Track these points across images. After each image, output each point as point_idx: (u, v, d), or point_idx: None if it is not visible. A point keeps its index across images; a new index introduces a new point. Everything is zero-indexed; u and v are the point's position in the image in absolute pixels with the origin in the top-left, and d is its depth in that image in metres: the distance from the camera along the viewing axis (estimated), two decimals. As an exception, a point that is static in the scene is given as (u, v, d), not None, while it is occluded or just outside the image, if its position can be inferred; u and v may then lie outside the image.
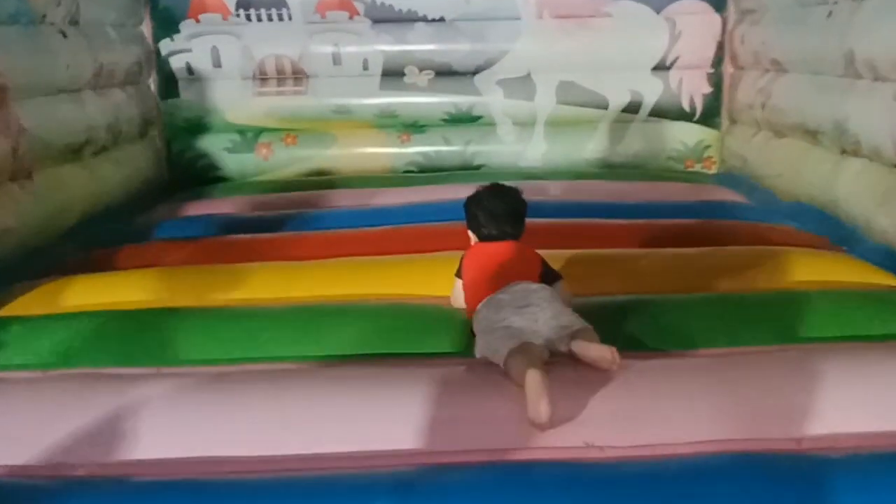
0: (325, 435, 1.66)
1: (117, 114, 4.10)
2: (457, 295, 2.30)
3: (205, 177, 4.73)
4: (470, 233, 2.34)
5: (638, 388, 1.72)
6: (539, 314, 1.95)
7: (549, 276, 2.20)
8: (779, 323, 2.21)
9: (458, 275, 2.28)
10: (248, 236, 3.25)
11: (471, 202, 2.32)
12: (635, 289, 2.50)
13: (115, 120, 4.05)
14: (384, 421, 1.68)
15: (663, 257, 2.80)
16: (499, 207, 2.26)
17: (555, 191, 4.00)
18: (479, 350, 1.99)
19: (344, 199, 3.98)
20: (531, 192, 3.95)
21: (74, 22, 3.76)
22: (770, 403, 1.67)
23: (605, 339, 1.88)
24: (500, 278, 2.09)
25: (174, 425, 1.65)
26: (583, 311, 2.04)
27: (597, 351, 1.80)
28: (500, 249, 2.22)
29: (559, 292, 2.15)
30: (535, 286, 2.06)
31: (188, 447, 1.60)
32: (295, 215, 3.62)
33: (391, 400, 1.75)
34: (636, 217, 3.41)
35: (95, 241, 3.35)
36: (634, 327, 2.17)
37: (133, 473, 1.55)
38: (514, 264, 2.17)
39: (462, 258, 2.29)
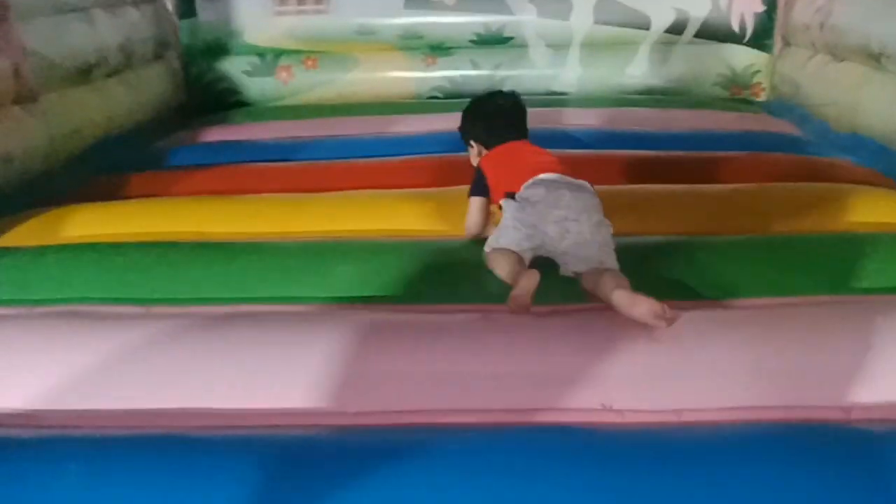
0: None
1: (130, 34, 3.91)
2: (472, 219, 2.14)
3: (224, 101, 4.55)
4: (474, 147, 2.24)
5: (665, 344, 1.54)
6: (574, 228, 1.85)
7: None
8: (831, 270, 2.00)
9: (475, 192, 2.13)
10: (263, 165, 3.10)
11: (471, 111, 2.25)
12: (674, 229, 2.30)
13: (127, 40, 3.87)
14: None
15: (705, 194, 2.58)
16: (504, 107, 2.21)
17: (590, 119, 3.74)
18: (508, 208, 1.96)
19: (364, 127, 3.79)
20: (565, 119, 3.84)
21: (81, -65, 3.54)
22: (817, 365, 1.48)
23: (639, 285, 1.69)
24: (530, 168, 2.00)
25: (154, 373, 1.53)
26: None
27: (646, 306, 1.60)
28: (520, 145, 2.15)
29: None
30: (583, 184, 1.96)
31: (166, 397, 1.49)
32: (312, 143, 3.46)
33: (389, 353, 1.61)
34: (677, 149, 3.18)
35: (105, 167, 3.24)
36: (670, 272, 1.98)
37: (102, 425, 1.44)
38: (539, 155, 2.09)
39: (477, 172, 2.15)
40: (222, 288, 1.96)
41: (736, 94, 4.50)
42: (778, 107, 4.21)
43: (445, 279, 2.02)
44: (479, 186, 2.12)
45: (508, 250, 1.89)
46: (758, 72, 4.47)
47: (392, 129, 3.73)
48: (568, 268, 1.88)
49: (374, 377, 1.54)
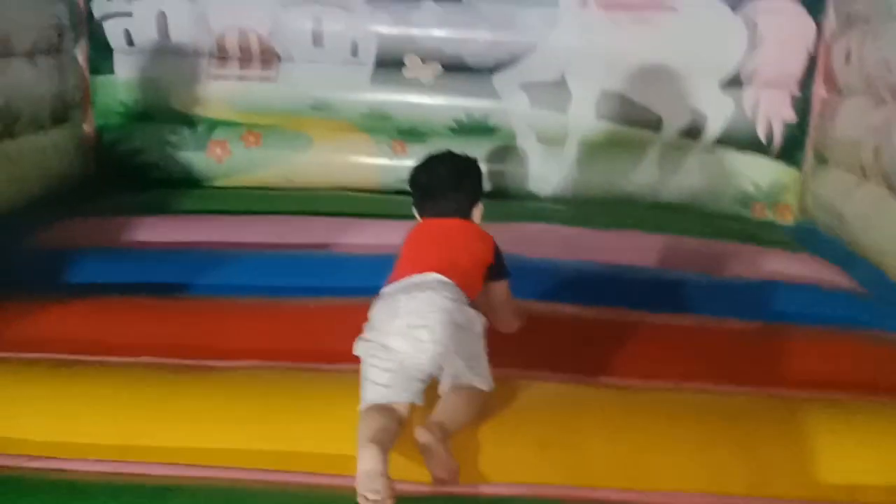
0: None
1: (14, 93, 3.08)
2: None
3: (141, 177, 3.72)
4: (415, 213, 1.95)
5: None
6: (426, 335, 1.60)
7: (496, 272, 1.84)
8: None
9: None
10: (145, 300, 2.24)
11: (410, 174, 1.96)
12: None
13: (7, 102, 3.03)
14: None
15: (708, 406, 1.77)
16: (429, 179, 1.91)
17: (578, 245, 2.88)
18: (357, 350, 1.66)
19: (309, 231, 2.97)
20: (547, 242, 2.85)
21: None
22: None
23: None
24: (418, 258, 1.76)
25: None
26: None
27: (437, 460, 1.47)
28: (435, 223, 1.87)
29: (495, 297, 1.85)
30: (438, 281, 1.68)
31: None
32: (229, 259, 2.61)
33: None
34: (678, 308, 2.39)
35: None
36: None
37: None
38: (446, 240, 1.81)
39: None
40: None
41: (759, 213, 3.79)
42: (810, 236, 3.48)
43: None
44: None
45: (374, 413, 1.56)
46: (786, 190, 3.77)
47: (344, 238, 2.92)
48: (441, 386, 1.63)
49: None
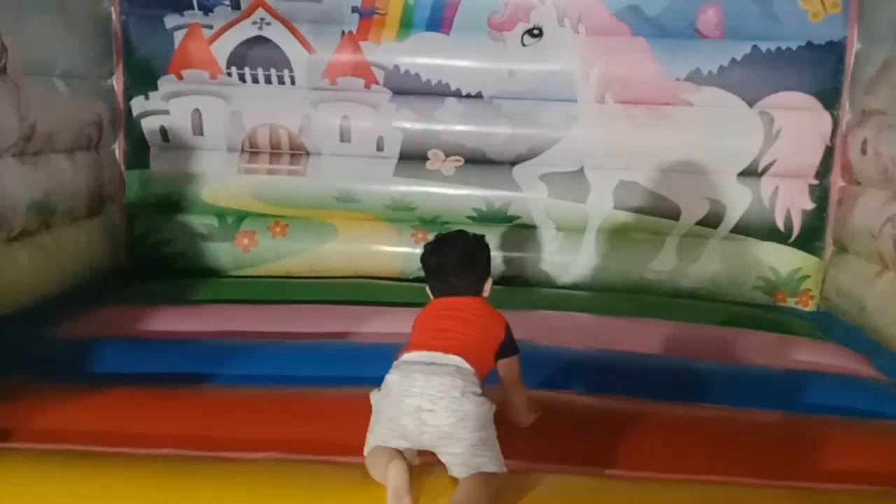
0: None
1: (53, 188, 3.21)
2: None
3: (170, 267, 3.82)
4: (428, 292, 2.04)
5: None
6: (431, 420, 1.69)
7: (507, 349, 1.90)
8: None
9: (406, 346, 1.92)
10: (164, 390, 2.26)
11: (421, 254, 2.06)
12: None
13: (47, 196, 3.16)
14: None
15: None
16: (439, 261, 1.99)
17: (597, 334, 2.88)
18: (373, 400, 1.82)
19: (329, 319, 3.01)
20: (562, 328, 2.89)
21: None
22: None
23: None
24: (437, 333, 1.84)
25: None
26: None
27: None
28: (448, 301, 1.94)
29: (506, 374, 1.91)
30: (456, 367, 1.75)
31: None
32: (247, 349, 2.65)
33: None
34: (697, 398, 2.37)
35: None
36: None
37: None
38: (461, 318, 1.87)
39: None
40: None
41: (780, 300, 3.78)
42: (830, 323, 3.47)
43: None
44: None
45: (382, 448, 1.73)
46: (806, 277, 3.77)
47: (364, 326, 2.95)
48: (450, 469, 1.69)
49: None
